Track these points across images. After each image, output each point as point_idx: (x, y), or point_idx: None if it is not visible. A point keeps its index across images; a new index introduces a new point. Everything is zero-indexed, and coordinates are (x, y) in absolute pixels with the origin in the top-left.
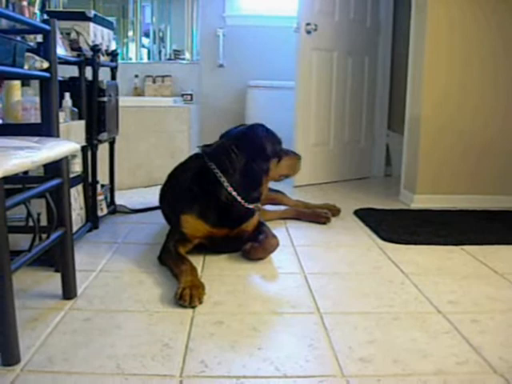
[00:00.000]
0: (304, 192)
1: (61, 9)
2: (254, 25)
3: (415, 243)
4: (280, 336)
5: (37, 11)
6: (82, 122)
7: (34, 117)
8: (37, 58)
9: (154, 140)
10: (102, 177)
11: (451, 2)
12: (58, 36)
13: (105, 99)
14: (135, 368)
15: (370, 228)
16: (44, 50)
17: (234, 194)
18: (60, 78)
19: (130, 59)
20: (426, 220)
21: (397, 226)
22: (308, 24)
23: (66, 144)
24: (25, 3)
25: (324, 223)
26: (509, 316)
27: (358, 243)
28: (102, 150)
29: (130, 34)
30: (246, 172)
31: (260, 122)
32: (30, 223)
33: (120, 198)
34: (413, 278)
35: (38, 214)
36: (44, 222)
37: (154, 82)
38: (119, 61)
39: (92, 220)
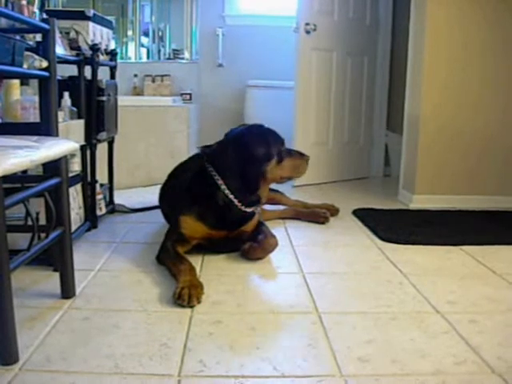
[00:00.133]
0: (303, 192)
1: (60, 8)
2: (253, 24)
3: (414, 243)
4: (278, 336)
5: (36, 10)
6: (81, 122)
7: (33, 116)
8: (36, 57)
9: (153, 139)
10: (101, 176)
11: (450, 1)
12: (57, 35)
13: (104, 98)
14: (133, 367)
15: (368, 228)
16: (43, 49)
17: (231, 197)
18: (59, 77)
19: (129, 58)
20: (424, 220)
21: (395, 226)
22: (307, 24)
23: (65, 143)
24: (24, 2)
25: (323, 223)
26: (507, 316)
27: (357, 243)
28: (101, 150)
29: (130, 33)
30: (242, 175)
31: (259, 121)
32: (29, 222)
33: (119, 198)
34: (411, 278)
35: (37, 213)
36: (43, 221)
37: (153, 81)
38: (118, 60)
39: (91, 219)
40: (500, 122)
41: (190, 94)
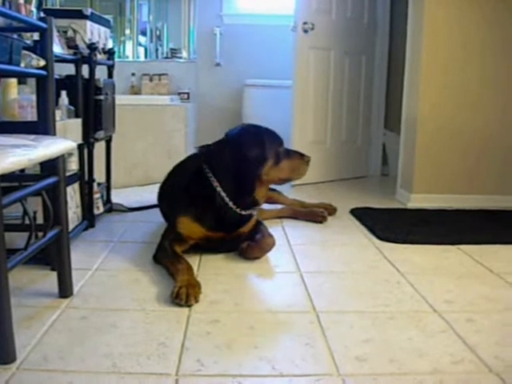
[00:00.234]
0: (300, 191)
1: (57, 7)
2: (251, 24)
3: (411, 242)
4: (276, 335)
5: (33, 9)
6: (79, 120)
7: (31, 115)
8: (33, 55)
9: (151, 138)
10: (99, 175)
11: (449, 1)
12: (55, 34)
13: (101, 97)
14: (131, 367)
15: (366, 227)
16: (40, 47)
17: (227, 199)
18: (56, 76)
19: (127, 57)
20: (422, 219)
21: (393, 226)
22: (305, 23)
23: (63, 142)
24: (21, 1)
25: (320, 222)
26: (504, 315)
27: (355, 242)
28: (99, 149)
29: (127, 32)
30: (237, 177)
31: (257, 120)
32: (27, 221)
33: (116, 197)
34: (409, 277)
35: (34, 213)
36: (40, 220)
37: (150, 80)
38: (116, 59)
39: (88, 218)
40: (499, 121)
41: (187, 93)
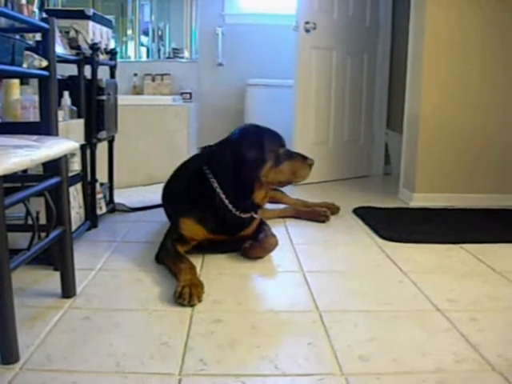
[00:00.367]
0: (303, 190)
1: (60, 7)
2: (253, 23)
3: (414, 241)
4: (279, 334)
5: (36, 9)
6: (81, 121)
7: (33, 115)
8: (36, 56)
9: (153, 138)
10: (101, 175)
11: (450, 2)
12: (57, 34)
13: (104, 98)
14: (134, 366)
15: (368, 226)
16: (43, 48)
17: (227, 202)
18: (59, 77)
19: (129, 58)
20: (424, 218)
21: (396, 225)
22: (307, 22)
23: (65, 142)
24: (23, 1)
25: (323, 222)
26: (507, 314)
27: (357, 241)
28: (101, 149)
29: (129, 32)
30: (236, 179)
31: (259, 120)
32: (29, 222)
33: (119, 197)
34: (412, 276)
35: (37, 213)
36: (43, 221)
37: (153, 80)
38: (118, 59)
39: (91, 219)
40: (499, 121)
41: (189, 93)
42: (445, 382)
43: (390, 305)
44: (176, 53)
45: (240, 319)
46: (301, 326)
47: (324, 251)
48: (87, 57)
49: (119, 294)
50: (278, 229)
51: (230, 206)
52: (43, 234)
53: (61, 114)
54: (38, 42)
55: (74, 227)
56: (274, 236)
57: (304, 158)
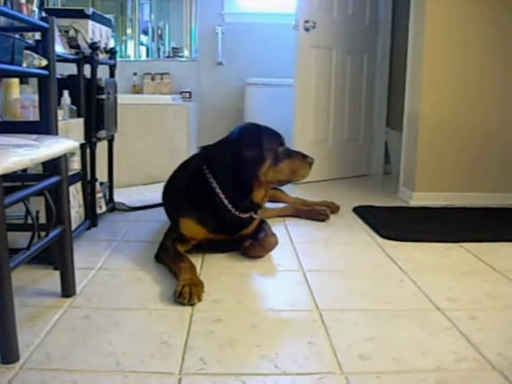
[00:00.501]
0: (303, 189)
1: (59, 6)
2: (252, 22)
3: (414, 240)
4: (279, 333)
5: (35, 9)
6: (81, 120)
7: (33, 114)
8: (35, 55)
9: (153, 138)
10: (101, 174)
11: (450, 1)
12: (57, 34)
13: (103, 97)
14: (134, 365)
15: (368, 225)
16: (42, 47)
17: (226, 202)
18: (58, 76)
19: (129, 57)
20: (424, 217)
21: (395, 224)
22: (306, 21)
23: (65, 142)
24: (23, 1)
25: (323, 220)
26: (507, 313)
27: (357, 240)
28: (101, 148)
29: (129, 31)
30: (235, 178)
31: (259, 119)
32: (29, 221)
33: (119, 196)
34: (411, 275)
35: (37, 212)
36: (43, 220)
37: (152, 79)
38: (118, 58)
39: (91, 218)
40: (499, 119)
41: (189, 92)
42: (445, 381)
43: (389, 304)
44: (175, 52)
45: (240, 318)
46: (301, 325)
47: (324, 250)
48: (87, 56)
49: (119, 293)
50: (277, 228)
51: (229, 206)
52: (43, 234)
53: (60, 113)
54: (37, 41)
55: (73, 226)
56: (273, 235)
57: (304, 156)
